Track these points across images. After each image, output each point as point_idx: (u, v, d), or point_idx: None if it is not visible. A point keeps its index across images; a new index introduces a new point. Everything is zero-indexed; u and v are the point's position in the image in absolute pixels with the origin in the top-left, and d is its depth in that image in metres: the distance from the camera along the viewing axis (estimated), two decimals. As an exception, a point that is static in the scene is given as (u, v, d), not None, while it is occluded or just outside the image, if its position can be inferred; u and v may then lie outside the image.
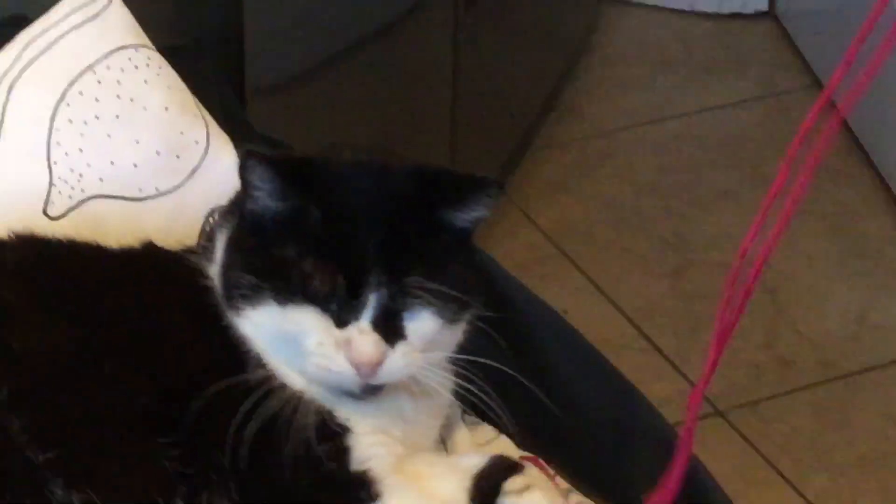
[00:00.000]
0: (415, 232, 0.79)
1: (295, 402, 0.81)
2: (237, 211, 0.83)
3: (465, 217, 0.80)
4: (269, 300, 0.79)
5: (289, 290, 0.79)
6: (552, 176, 1.87)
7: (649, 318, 1.70)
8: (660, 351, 1.68)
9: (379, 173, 0.83)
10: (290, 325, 0.80)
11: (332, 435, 0.81)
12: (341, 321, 0.76)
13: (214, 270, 0.85)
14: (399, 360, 0.78)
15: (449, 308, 0.78)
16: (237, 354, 0.83)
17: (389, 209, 0.79)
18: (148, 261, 0.89)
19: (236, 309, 0.81)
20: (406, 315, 0.77)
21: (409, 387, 0.84)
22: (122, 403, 0.81)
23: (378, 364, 0.77)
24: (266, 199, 0.78)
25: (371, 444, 0.83)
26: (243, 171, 0.80)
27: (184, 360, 0.83)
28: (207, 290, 0.86)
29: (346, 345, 0.77)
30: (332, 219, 0.79)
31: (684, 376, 1.65)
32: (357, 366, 0.77)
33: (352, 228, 0.79)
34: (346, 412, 0.82)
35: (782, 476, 1.47)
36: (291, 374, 0.81)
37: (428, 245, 0.80)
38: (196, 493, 0.81)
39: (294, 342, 0.79)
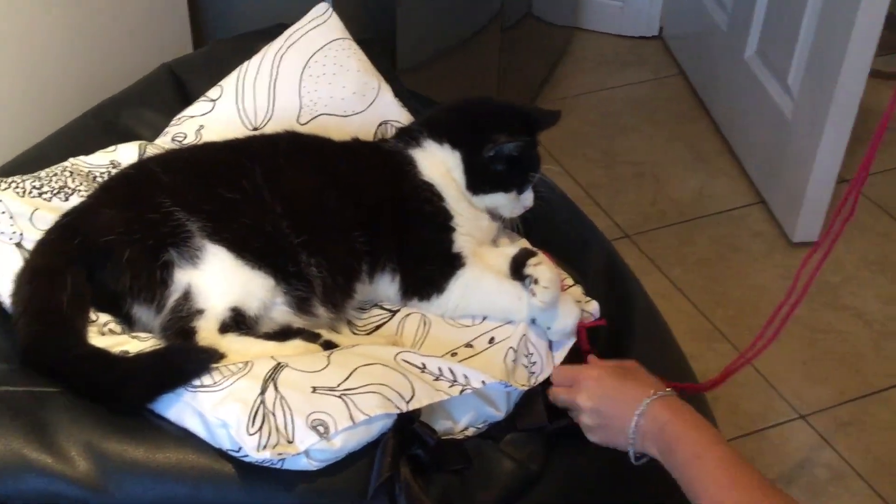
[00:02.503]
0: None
1: (444, 215, 1.33)
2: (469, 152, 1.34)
3: None
4: (501, 192, 1.36)
5: (508, 188, 1.35)
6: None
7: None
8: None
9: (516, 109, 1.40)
10: (501, 200, 1.36)
11: (447, 228, 1.34)
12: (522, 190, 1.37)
13: (420, 157, 1.35)
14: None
15: None
16: (416, 194, 1.34)
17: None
18: (356, 145, 1.42)
19: (477, 191, 1.34)
20: None
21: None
22: (338, 214, 1.31)
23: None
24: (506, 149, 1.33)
25: (463, 239, 1.35)
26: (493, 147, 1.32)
27: (373, 194, 1.32)
28: (389, 156, 1.37)
29: (523, 200, 1.37)
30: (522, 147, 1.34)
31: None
32: (523, 208, 1.38)
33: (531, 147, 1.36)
34: (459, 220, 1.34)
35: None
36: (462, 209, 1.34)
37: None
38: (376, 260, 1.34)
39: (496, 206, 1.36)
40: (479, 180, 1.37)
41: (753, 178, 2.59)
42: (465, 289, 1.33)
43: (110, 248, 1.21)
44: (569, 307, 1.32)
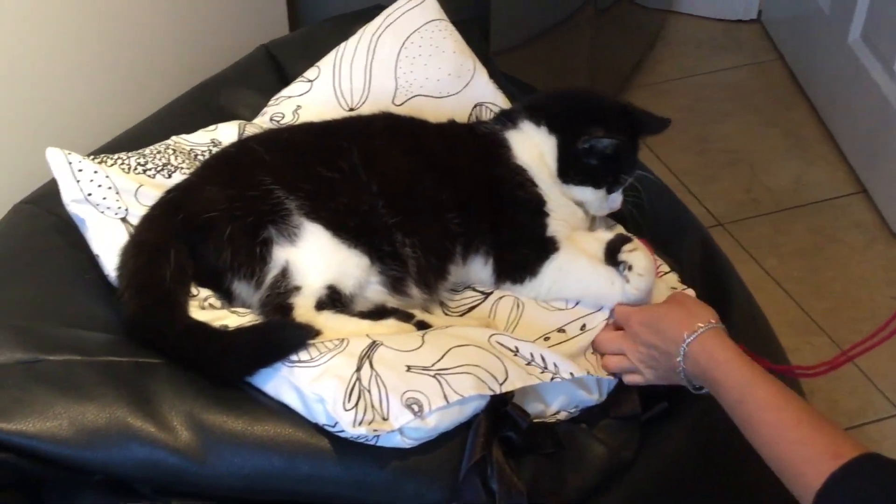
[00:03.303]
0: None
1: (537, 200, 1.33)
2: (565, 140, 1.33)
3: None
4: (590, 186, 1.35)
5: (598, 184, 1.34)
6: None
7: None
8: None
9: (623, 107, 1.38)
10: (589, 195, 1.35)
11: (541, 213, 1.34)
12: (611, 190, 1.36)
13: (515, 139, 1.35)
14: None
15: None
16: (509, 178, 1.33)
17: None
18: (451, 126, 1.43)
19: (566, 181, 1.33)
20: None
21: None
22: (433, 195, 1.32)
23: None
24: (601, 144, 1.31)
25: (557, 224, 1.34)
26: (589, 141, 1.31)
27: (468, 177, 1.34)
28: (484, 138, 1.37)
29: (611, 201, 1.37)
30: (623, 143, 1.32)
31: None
32: (610, 209, 1.38)
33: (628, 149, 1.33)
34: (552, 206, 1.35)
35: None
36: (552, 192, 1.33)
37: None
38: (470, 242, 1.34)
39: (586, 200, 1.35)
40: (570, 170, 1.36)
41: (854, 166, 2.52)
42: (558, 272, 1.33)
43: (212, 225, 1.23)
44: (662, 295, 1.31)
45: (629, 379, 1.24)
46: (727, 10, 3.09)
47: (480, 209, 1.35)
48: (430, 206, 1.33)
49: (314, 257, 1.24)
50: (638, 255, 1.31)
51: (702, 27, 3.08)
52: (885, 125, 2.35)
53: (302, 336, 1.16)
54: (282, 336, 1.17)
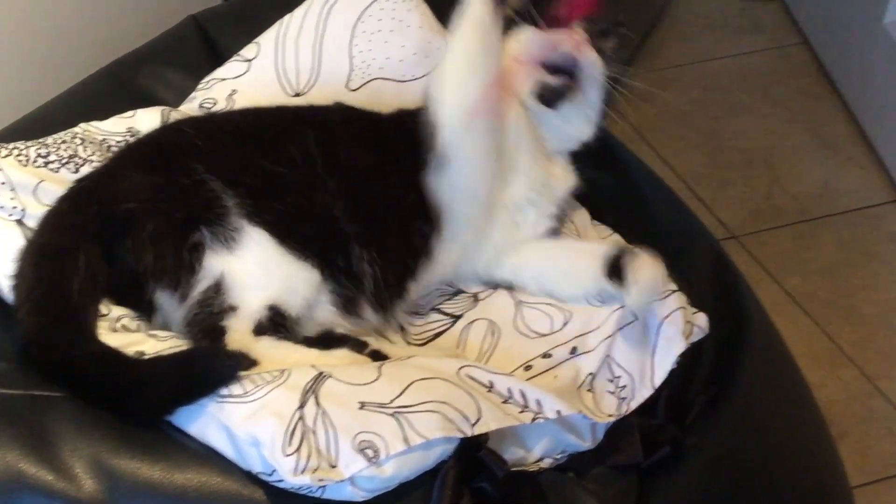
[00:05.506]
0: None
1: None
2: None
3: None
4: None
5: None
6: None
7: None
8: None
9: None
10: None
11: None
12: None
13: None
14: None
15: None
16: None
17: None
18: (409, 115, 1.39)
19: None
20: None
21: None
22: (398, 200, 1.31)
23: None
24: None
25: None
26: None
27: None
28: None
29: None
30: None
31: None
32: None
33: None
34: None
35: None
36: None
37: None
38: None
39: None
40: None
41: (891, 169, 2.54)
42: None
43: (132, 218, 1.22)
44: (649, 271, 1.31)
45: None
46: (743, -16, 3.12)
47: None
48: (395, 213, 1.33)
49: (255, 270, 1.23)
50: (646, 269, 1.31)
51: (714, 5, 3.10)
52: (927, 122, 2.38)
53: (232, 367, 1.15)
54: (208, 366, 1.16)
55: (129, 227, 1.22)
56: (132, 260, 1.23)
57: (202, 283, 1.22)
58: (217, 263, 1.22)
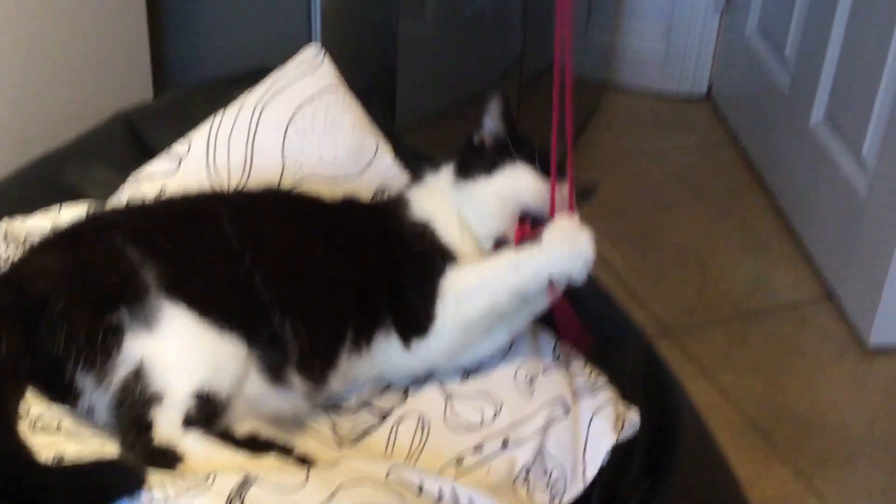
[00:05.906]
0: None
1: (439, 251, 1.37)
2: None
3: None
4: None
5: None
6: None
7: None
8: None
9: None
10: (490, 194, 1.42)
11: (439, 262, 1.37)
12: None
13: (416, 194, 1.41)
14: None
15: None
16: (405, 252, 1.38)
17: None
18: (348, 204, 1.46)
19: (464, 174, 1.40)
20: None
21: None
22: (325, 273, 1.33)
23: None
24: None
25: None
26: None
27: (364, 254, 1.36)
28: (383, 205, 1.44)
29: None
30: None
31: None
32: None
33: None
34: (460, 252, 1.38)
35: None
36: None
37: None
38: (368, 327, 1.35)
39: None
40: (466, 164, 1.44)
41: (821, 266, 2.60)
42: (452, 291, 1.35)
43: (45, 298, 1.19)
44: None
45: None
46: (673, 84, 3.20)
47: (380, 287, 1.37)
48: (322, 284, 1.34)
49: (178, 352, 1.21)
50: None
51: (645, 103, 3.18)
52: (854, 220, 2.43)
53: (134, 484, 1.09)
54: (111, 482, 1.09)
55: (42, 309, 1.19)
56: (48, 342, 1.19)
57: (122, 369, 1.19)
58: (137, 347, 1.19)
